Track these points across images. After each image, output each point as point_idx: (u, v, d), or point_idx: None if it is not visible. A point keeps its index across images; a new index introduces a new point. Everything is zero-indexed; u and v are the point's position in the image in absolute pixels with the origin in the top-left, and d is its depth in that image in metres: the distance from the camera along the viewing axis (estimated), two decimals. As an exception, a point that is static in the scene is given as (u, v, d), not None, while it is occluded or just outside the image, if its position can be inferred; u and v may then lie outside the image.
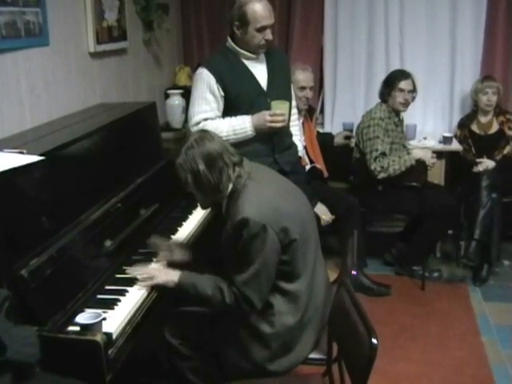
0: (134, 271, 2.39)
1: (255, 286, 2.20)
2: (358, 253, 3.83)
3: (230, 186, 2.29)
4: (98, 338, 1.85)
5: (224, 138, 2.98)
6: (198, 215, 3.10)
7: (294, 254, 2.26)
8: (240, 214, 2.18)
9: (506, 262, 4.54)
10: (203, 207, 2.58)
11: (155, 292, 2.33)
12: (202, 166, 2.21)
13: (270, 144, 3.12)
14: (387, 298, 3.98)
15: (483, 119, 4.58)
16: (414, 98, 4.19)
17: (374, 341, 1.94)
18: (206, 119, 3.05)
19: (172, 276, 2.34)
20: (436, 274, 4.25)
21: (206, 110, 3.05)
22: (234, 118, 3.06)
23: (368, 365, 1.94)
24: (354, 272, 2.56)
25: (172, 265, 2.52)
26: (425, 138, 4.57)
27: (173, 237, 2.83)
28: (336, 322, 2.34)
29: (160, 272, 2.39)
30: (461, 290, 4.13)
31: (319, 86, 4.98)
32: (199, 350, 2.40)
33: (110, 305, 2.17)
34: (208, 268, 2.46)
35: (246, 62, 3.11)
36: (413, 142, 4.49)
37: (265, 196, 2.27)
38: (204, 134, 2.34)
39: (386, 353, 3.23)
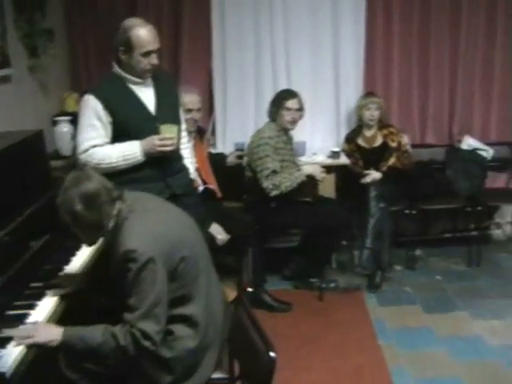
0: (10, 332, 2.15)
1: (153, 319, 2.14)
2: (256, 270, 3.91)
3: (112, 222, 2.23)
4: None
5: (113, 165, 3.01)
6: (91, 244, 3.03)
7: (185, 278, 2.25)
8: (124, 247, 2.13)
9: (398, 268, 4.75)
10: (89, 245, 2.50)
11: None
12: (79, 207, 2.14)
13: (160, 168, 3.10)
14: (288, 312, 4.07)
15: (368, 133, 4.79)
16: (301, 116, 4.32)
17: (272, 354, 1.98)
18: (94, 146, 3.00)
19: (54, 334, 2.17)
20: (333, 285, 4.38)
21: (94, 136, 3.00)
22: (123, 144, 3.03)
23: (268, 378, 1.98)
24: (249, 289, 2.61)
25: (67, 297, 2.46)
26: (314, 154, 4.72)
27: (66, 267, 2.77)
28: (235, 339, 2.37)
29: (39, 330, 2.17)
30: (357, 297, 4.28)
31: (209, 107, 5.02)
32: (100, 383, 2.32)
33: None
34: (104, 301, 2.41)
35: (133, 87, 3.09)
36: (303, 159, 4.62)
37: (148, 225, 2.23)
38: (80, 173, 2.28)
39: (290, 365, 3.31)
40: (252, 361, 2.13)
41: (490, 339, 3.68)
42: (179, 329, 2.28)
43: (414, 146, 5.01)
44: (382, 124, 4.81)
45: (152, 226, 2.24)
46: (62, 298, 2.47)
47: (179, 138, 3.21)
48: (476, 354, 3.52)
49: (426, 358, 3.49)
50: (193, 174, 3.53)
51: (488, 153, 5.11)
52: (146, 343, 2.13)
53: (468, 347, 3.59)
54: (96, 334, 2.16)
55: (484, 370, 3.35)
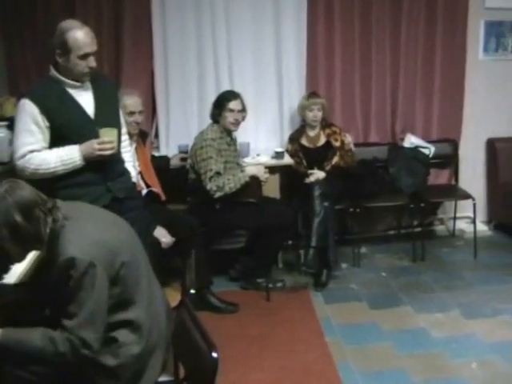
0: None
1: (92, 326, 2.10)
2: (202, 272, 3.90)
3: (48, 232, 2.14)
4: None
5: (52, 170, 2.97)
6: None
7: (126, 282, 2.22)
8: (64, 256, 2.08)
9: (344, 265, 4.81)
10: (20, 261, 2.31)
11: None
12: (18, 218, 2.03)
13: (101, 172, 3.07)
14: (235, 313, 4.06)
15: (311, 133, 4.83)
16: (244, 118, 4.33)
17: (214, 354, 1.99)
18: (31, 151, 2.95)
19: None
20: (280, 284, 4.40)
21: (31, 141, 2.95)
22: (61, 149, 2.98)
23: (211, 379, 1.97)
24: (192, 291, 2.60)
25: (4, 307, 2.39)
26: (258, 155, 4.74)
27: (5, 276, 2.70)
28: (179, 342, 2.36)
29: None
30: (304, 296, 4.31)
31: (152, 110, 4.98)
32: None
33: None
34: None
35: (71, 91, 3.04)
36: (247, 160, 4.63)
37: (86, 232, 2.18)
38: (13, 183, 2.14)
39: (239, 365, 3.35)
40: (196, 362, 2.13)
41: (433, 332, 3.77)
42: (123, 335, 2.25)
43: (357, 144, 5.09)
44: (325, 124, 4.85)
45: (90, 233, 2.19)
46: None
47: (119, 141, 3.19)
48: (420, 346, 3.60)
49: (372, 352, 3.55)
50: (135, 177, 3.50)
51: (430, 150, 5.22)
52: (85, 351, 2.10)
53: (412, 340, 3.67)
54: (35, 337, 2.11)
55: (428, 362, 3.43)
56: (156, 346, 2.35)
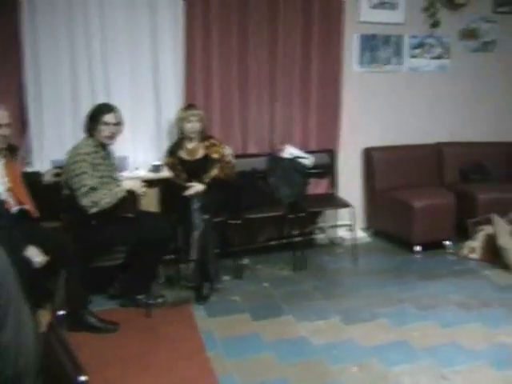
0: None
1: None
2: (78, 291, 3.75)
3: None
4: None
5: None
6: None
7: None
8: None
9: (226, 278, 4.80)
10: None
11: None
12: None
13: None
14: (115, 332, 3.93)
15: (190, 145, 4.80)
16: (120, 131, 4.21)
17: (82, 378, 1.91)
18: None
19: None
20: (160, 300, 4.31)
21: None
22: None
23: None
24: (61, 312, 2.48)
25: None
26: (136, 169, 4.65)
27: None
28: (47, 367, 2.25)
29: None
30: (185, 311, 4.24)
31: (23, 123, 4.73)
32: None
33: None
34: None
35: None
36: (125, 174, 4.53)
37: None
38: None
39: (118, 386, 3.22)
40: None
41: (314, 339, 3.81)
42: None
43: (236, 156, 5.10)
44: (204, 136, 4.84)
45: None
46: None
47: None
48: (302, 354, 3.63)
49: (254, 363, 3.54)
50: (3, 194, 3.32)
51: (309, 160, 5.33)
52: None
53: (294, 349, 3.69)
54: None
55: (310, 369, 3.46)
56: (23, 374, 2.23)
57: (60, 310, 2.70)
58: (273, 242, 5.51)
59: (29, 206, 3.85)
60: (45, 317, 3.10)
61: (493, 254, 5.09)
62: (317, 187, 5.65)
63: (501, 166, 6.05)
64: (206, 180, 4.68)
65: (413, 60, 5.92)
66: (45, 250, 3.58)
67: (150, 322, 4.08)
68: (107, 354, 3.61)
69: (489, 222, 5.24)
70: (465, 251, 5.30)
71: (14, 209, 3.73)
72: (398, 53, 5.83)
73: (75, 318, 3.79)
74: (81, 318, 3.84)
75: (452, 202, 5.43)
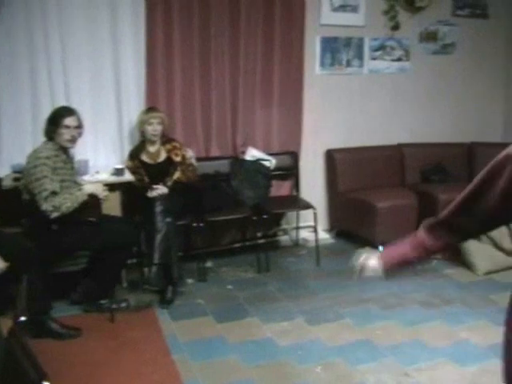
0: None
1: None
2: (39, 297, 3.69)
3: None
4: None
5: None
6: None
7: None
8: None
9: (190, 281, 4.79)
10: None
11: None
12: None
13: None
14: (79, 338, 3.87)
15: (151, 149, 4.77)
16: (80, 134, 4.15)
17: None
18: None
19: None
20: (124, 304, 4.27)
21: None
22: None
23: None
24: (22, 318, 2.44)
25: None
26: (97, 172, 4.60)
27: None
28: (8, 373, 2.20)
29: None
30: (149, 314, 4.22)
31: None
32: None
33: None
34: None
35: None
36: (86, 177, 4.48)
37: None
38: None
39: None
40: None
41: (279, 340, 3.83)
42: None
43: (198, 159, 5.10)
44: (166, 139, 4.81)
45: None
46: None
47: None
48: (267, 356, 3.64)
49: (220, 366, 3.53)
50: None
51: (271, 162, 5.35)
52: None
53: (259, 351, 3.70)
54: None
55: (275, 370, 3.47)
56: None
57: (22, 316, 2.64)
58: (236, 245, 5.50)
59: (-13, 211, 3.79)
60: (6, 323, 3.05)
61: (453, 253, 5.16)
62: (280, 189, 5.67)
63: (460, 167, 6.14)
64: (169, 183, 4.66)
65: (374, 62, 5.98)
66: (5, 255, 3.51)
67: (113, 327, 4.03)
68: (71, 359, 3.56)
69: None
70: (426, 251, 5.36)
71: (-28, 215, 3.67)
72: (358, 55, 5.89)
73: (37, 324, 3.74)
74: (43, 324, 3.79)
75: (414, 202, 5.49)
